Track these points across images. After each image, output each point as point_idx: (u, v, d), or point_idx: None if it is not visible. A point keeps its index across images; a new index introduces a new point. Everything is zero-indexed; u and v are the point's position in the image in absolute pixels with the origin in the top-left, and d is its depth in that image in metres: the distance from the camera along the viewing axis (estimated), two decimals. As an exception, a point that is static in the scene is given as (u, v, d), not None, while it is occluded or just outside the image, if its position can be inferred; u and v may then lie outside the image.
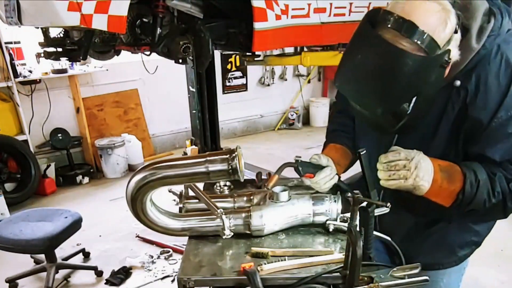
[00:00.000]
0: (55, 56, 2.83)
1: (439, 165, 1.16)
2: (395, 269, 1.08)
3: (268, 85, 6.64)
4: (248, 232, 1.29)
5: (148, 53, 2.95)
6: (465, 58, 1.11)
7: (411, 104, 1.07)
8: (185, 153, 4.83)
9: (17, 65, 4.36)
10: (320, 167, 1.36)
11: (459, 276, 1.47)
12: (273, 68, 6.58)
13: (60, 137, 4.76)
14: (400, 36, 1.01)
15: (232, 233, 1.26)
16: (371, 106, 1.12)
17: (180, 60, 2.81)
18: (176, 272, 2.96)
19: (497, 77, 1.09)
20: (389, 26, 1.03)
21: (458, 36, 1.08)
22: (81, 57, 2.72)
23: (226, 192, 1.61)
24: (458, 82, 1.13)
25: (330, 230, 1.31)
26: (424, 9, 1.02)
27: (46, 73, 4.52)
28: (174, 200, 1.59)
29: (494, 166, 1.15)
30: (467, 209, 1.17)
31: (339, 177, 1.39)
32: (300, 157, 1.36)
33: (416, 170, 1.12)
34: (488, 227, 1.39)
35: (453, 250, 1.38)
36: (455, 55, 1.08)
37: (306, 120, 7.08)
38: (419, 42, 1.00)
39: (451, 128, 1.18)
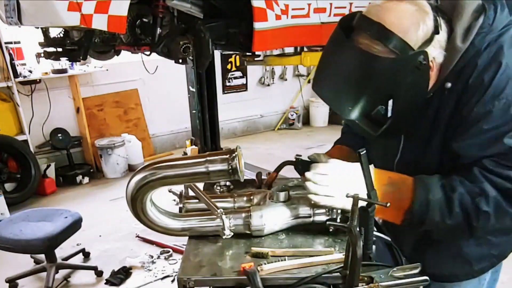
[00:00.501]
0: (55, 56, 2.83)
1: (390, 177, 1.12)
2: (395, 269, 1.08)
3: (268, 85, 6.65)
4: (248, 232, 1.28)
5: (148, 53, 2.95)
6: (453, 59, 1.08)
7: (389, 107, 1.04)
8: (185, 153, 4.83)
9: (17, 65, 4.37)
10: None
11: None
12: (273, 68, 6.58)
13: (60, 137, 4.76)
14: (370, 39, 1.01)
15: (232, 233, 1.25)
16: (345, 110, 1.08)
17: (180, 60, 2.81)
18: (176, 272, 2.96)
19: (482, 73, 1.05)
20: (360, 29, 1.03)
21: (441, 37, 1.06)
22: (81, 57, 2.72)
23: (226, 192, 1.61)
24: (448, 84, 1.10)
25: (330, 230, 1.31)
26: (397, 10, 1.01)
27: (46, 73, 4.53)
28: (174, 200, 1.59)
29: (464, 172, 1.07)
30: (420, 229, 1.10)
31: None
32: (300, 155, 1.36)
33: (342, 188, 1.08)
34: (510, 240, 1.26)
35: (469, 262, 1.26)
36: (438, 56, 1.06)
37: (306, 120, 7.08)
38: (387, 44, 0.99)
39: (444, 132, 1.14)
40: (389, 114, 1.05)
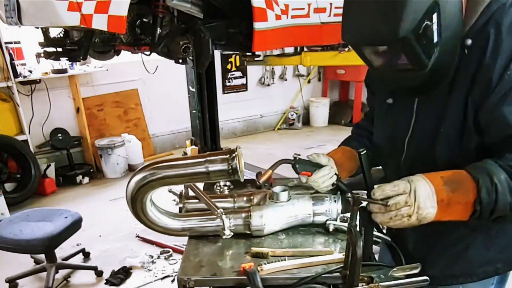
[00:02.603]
0: (55, 56, 2.83)
1: (442, 177, 1.00)
2: (395, 269, 1.08)
3: (268, 85, 6.65)
4: (248, 232, 1.29)
5: (148, 53, 2.95)
6: (475, 12, 1.00)
7: (435, 27, 0.94)
8: (185, 153, 4.83)
9: (17, 65, 4.37)
10: (319, 166, 1.36)
11: None
12: (273, 68, 6.58)
13: (60, 137, 4.76)
14: None
15: (232, 233, 1.26)
16: (391, 33, 0.94)
17: (180, 60, 2.81)
18: (176, 272, 2.96)
19: (510, 31, 0.96)
20: None
21: None
22: (81, 57, 2.71)
23: (226, 192, 1.61)
24: (469, 41, 1.00)
25: (330, 230, 1.31)
26: None
27: (46, 73, 4.52)
28: (174, 200, 1.59)
29: (499, 152, 0.98)
30: (491, 218, 0.98)
31: (338, 177, 1.38)
32: (299, 154, 1.36)
33: (416, 202, 0.97)
34: None
35: (472, 264, 1.19)
36: None
37: (306, 120, 7.08)
38: None
39: (465, 96, 1.03)
40: (436, 39, 0.96)
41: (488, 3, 1.00)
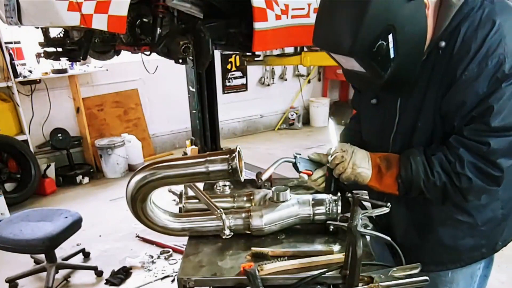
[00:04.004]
0: (55, 56, 2.82)
1: (379, 157, 1.23)
2: (395, 269, 1.08)
3: (268, 85, 6.64)
4: (248, 232, 1.29)
5: (148, 53, 2.94)
6: (447, 16, 1.08)
7: (391, 45, 1.02)
8: (185, 153, 4.83)
9: (17, 65, 4.36)
10: (319, 165, 1.36)
11: (469, 286, 1.36)
12: (273, 68, 6.58)
13: (60, 137, 4.76)
14: None
15: (232, 233, 1.26)
16: (346, 47, 1.03)
17: (180, 60, 2.81)
18: (176, 272, 2.96)
19: (475, 32, 1.04)
20: None
21: None
22: (81, 57, 2.71)
23: (226, 192, 1.61)
24: (442, 43, 1.09)
25: (330, 230, 1.31)
26: None
27: (46, 73, 4.52)
28: (174, 200, 1.59)
29: (445, 139, 1.13)
30: (414, 193, 1.18)
31: (339, 177, 1.38)
32: (299, 154, 1.36)
33: (352, 159, 1.22)
34: (501, 231, 1.28)
35: (459, 251, 1.29)
36: None
37: (306, 120, 7.08)
38: None
39: (437, 92, 1.13)
40: (392, 55, 1.03)
41: (459, 7, 1.07)
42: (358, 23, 1.00)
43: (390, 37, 1.01)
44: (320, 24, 1.13)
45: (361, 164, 1.22)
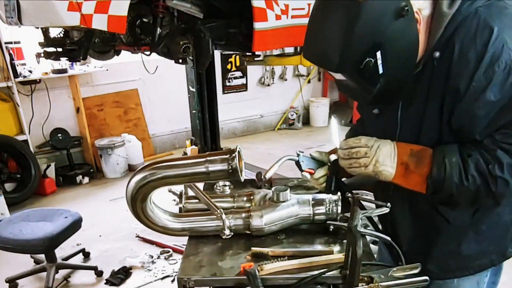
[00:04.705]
0: (55, 56, 2.82)
1: (411, 149, 1.14)
2: (395, 269, 1.08)
3: (268, 85, 6.64)
4: (248, 232, 1.29)
5: (148, 53, 2.94)
6: (440, 26, 1.06)
7: (380, 62, 1.02)
8: (185, 153, 4.82)
9: (17, 65, 4.36)
10: (321, 164, 1.36)
11: None
12: (273, 68, 6.58)
13: (60, 137, 4.76)
14: None
15: (232, 233, 1.26)
16: (334, 65, 1.05)
17: (180, 60, 2.81)
18: (176, 272, 2.96)
19: (474, 40, 1.01)
20: None
21: None
22: (81, 57, 2.71)
23: (226, 192, 1.61)
24: (437, 54, 1.07)
25: (330, 230, 1.31)
26: None
27: (46, 73, 4.52)
28: (174, 200, 1.59)
29: (475, 144, 1.07)
30: (444, 195, 1.10)
31: (340, 177, 1.38)
32: (302, 152, 1.36)
33: (376, 156, 1.14)
34: (511, 237, 1.24)
35: (466, 258, 1.24)
36: (423, 8, 1.05)
37: (306, 120, 7.08)
38: None
39: (440, 104, 1.10)
40: (381, 71, 1.03)
41: (452, 16, 1.05)
42: (344, 41, 1.01)
43: (379, 54, 1.01)
44: (309, 39, 1.13)
45: (384, 161, 1.14)
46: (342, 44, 1.02)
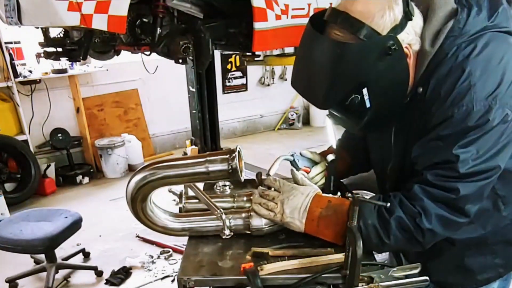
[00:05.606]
0: (55, 56, 2.82)
1: (329, 201, 1.14)
2: (395, 269, 1.08)
3: (268, 85, 6.64)
4: (248, 232, 1.28)
5: (148, 53, 2.94)
6: (422, 63, 1.07)
7: (365, 97, 1.03)
8: (185, 153, 4.82)
9: (17, 65, 4.37)
10: (315, 163, 1.40)
11: None
12: (273, 68, 6.58)
13: (60, 137, 4.76)
14: (338, 28, 1.02)
15: (232, 233, 1.25)
16: (320, 101, 1.08)
17: (180, 60, 2.81)
18: (176, 272, 2.96)
19: (446, 78, 1.02)
20: (329, 21, 1.05)
21: (416, 23, 1.04)
22: (81, 57, 2.71)
23: (226, 192, 1.61)
24: (420, 89, 1.08)
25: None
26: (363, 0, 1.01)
27: (46, 73, 4.52)
28: (174, 200, 1.59)
29: (409, 186, 1.07)
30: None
31: (335, 175, 1.40)
32: (295, 152, 1.38)
33: (283, 206, 1.14)
34: None
35: (472, 272, 1.23)
36: (414, 42, 1.05)
37: (306, 120, 7.08)
38: (353, 31, 0.99)
39: (420, 135, 1.10)
40: (368, 105, 1.04)
41: (435, 54, 1.05)
42: (328, 80, 1.03)
43: (365, 90, 1.02)
44: (297, 69, 1.14)
45: (291, 213, 1.14)
46: (326, 83, 1.04)
